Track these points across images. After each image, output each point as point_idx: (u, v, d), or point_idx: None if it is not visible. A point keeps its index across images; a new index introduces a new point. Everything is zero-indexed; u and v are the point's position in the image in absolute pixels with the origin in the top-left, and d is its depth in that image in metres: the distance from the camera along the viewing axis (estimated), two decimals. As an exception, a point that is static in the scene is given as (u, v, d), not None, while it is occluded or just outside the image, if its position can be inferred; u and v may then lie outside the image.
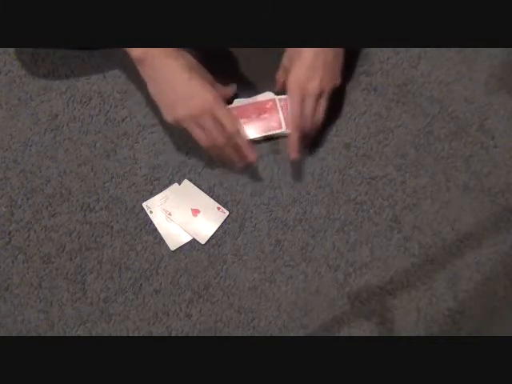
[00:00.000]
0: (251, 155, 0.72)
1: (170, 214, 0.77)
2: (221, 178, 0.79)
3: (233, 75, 0.83)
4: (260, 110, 0.79)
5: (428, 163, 0.80)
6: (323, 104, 0.72)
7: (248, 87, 0.82)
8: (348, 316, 0.75)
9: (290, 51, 0.73)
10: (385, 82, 0.83)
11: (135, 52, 0.66)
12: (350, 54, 0.83)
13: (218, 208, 0.78)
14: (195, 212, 0.78)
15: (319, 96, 0.71)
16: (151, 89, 0.69)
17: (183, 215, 0.78)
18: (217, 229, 0.78)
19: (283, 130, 0.78)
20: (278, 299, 0.76)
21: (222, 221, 0.78)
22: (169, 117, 0.69)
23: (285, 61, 0.74)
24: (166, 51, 0.66)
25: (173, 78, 0.67)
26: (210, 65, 0.75)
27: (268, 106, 0.79)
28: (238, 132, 0.71)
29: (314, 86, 0.70)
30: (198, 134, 0.70)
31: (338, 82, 0.72)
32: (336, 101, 0.82)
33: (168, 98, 0.69)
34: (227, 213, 0.78)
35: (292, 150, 0.73)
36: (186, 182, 0.79)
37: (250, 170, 0.80)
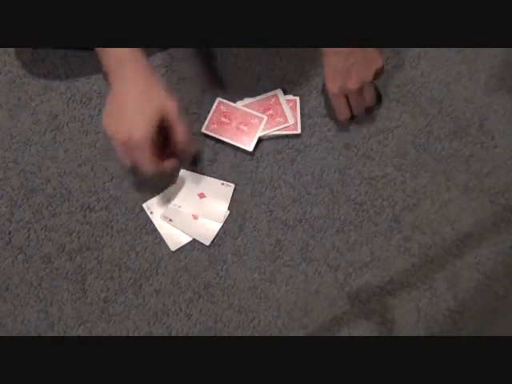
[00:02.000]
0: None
1: (170, 220, 0.77)
2: (221, 178, 0.79)
3: (234, 75, 0.83)
4: (264, 107, 0.79)
5: (428, 163, 0.80)
6: (368, 91, 0.75)
7: (249, 87, 0.82)
8: (348, 316, 0.75)
9: (319, 55, 0.74)
10: (385, 82, 0.83)
11: (103, 67, 0.67)
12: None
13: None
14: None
15: (361, 89, 0.74)
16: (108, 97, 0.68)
17: (185, 220, 0.78)
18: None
19: (290, 123, 0.79)
20: (278, 299, 0.76)
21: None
22: (105, 125, 0.68)
23: (322, 63, 0.75)
24: (120, 65, 0.66)
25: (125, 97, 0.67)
26: (210, 65, 0.75)
27: (271, 102, 0.80)
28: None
29: (352, 86, 0.73)
30: (122, 157, 0.70)
31: (378, 65, 0.74)
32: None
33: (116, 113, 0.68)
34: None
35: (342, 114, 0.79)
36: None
37: (250, 170, 0.80)
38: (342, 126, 0.81)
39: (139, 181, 0.79)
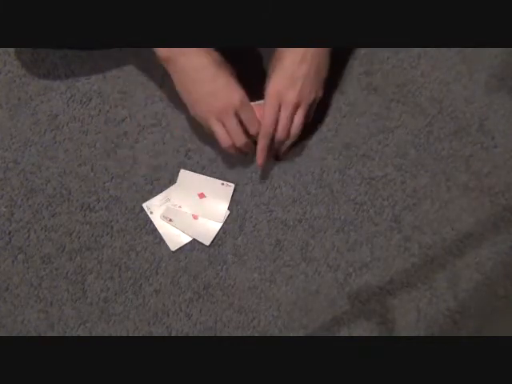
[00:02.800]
0: (260, 160, 0.73)
1: (170, 220, 0.77)
2: (221, 178, 0.79)
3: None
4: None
5: (428, 163, 0.80)
6: (300, 115, 0.71)
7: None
8: (348, 316, 0.75)
9: (273, 58, 0.71)
10: (385, 82, 0.83)
11: (161, 52, 0.67)
12: (348, 54, 0.84)
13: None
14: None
15: (296, 107, 0.70)
16: (179, 86, 0.70)
17: (185, 220, 0.78)
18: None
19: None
20: (278, 299, 0.76)
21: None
22: (198, 113, 0.70)
23: (269, 68, 0.73)
24: (192, 50, 0.67)
25: (196, 75, 0.68)
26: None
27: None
28: (259, 136, 0.71)
29: (291, 97, 0.69)
30: (219, 132, 0.70)
31: (319, 94, 0.72)
32: (338, 101, 0.82)
33: (192, 95, 0.69)
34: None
35: (258, 157, 0.73)
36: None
37: (250, 170, 0.80)
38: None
39: (141, 180, 0.79)
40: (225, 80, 0.68)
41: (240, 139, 0.71)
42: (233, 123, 0.69)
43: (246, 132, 0.72)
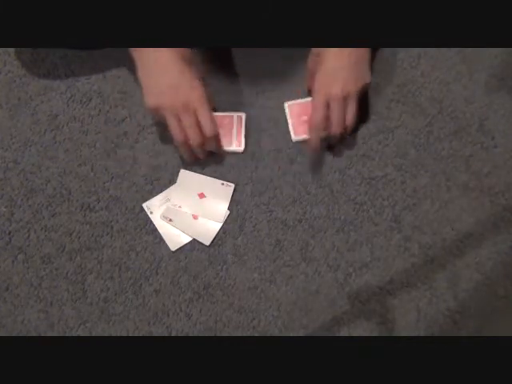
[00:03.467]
0: (311, 151, 0.74)
1: (170, 220, 0.77)
2: (221, 178, 0.79)
3: (233, 75, 0.83)
4: (219, 123, 0.77)
5: (428, 163, 0.80)
6: (351, 106, 0.71)
7: (247, 88, 0.82)
8: (348, 316, 0.75)
9: (312, 55, 0.72)
10: (385, 82, 0.83)
11: None
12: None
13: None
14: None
15: (345, 99, 0.70)
16: (141, 72, 0.69)
17: (185, 220, 0.77)
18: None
19: (233, 147, 0.78)
20: (278, 299, 0.76)
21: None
22: (150, 101, 0.70)
23: (309, 65, 0.74)
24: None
25: (164, 68, 0.68)
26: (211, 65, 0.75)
27: (225, 122, 0.79)
28: (214, 138, 0.71)
29: (336, 90, 0.69)
30: (174, 128, 0.70)
31: (366, 81, 0.72)
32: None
33: (156, 83, 0.69)
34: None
35: (309, 149, 0.75)
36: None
37: (250, 170, 0.80)
38: (314, 156, 0.79)
39: (141, 180, 0.79)
40: (190, 77, 0.69)
41: (195, 137, 0.71)
42: (190, 120, 0.70)
43: (201, 133, 0.71)
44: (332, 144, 0.79)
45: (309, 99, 0.77)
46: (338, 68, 0.69)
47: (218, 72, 0.83)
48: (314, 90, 0.72)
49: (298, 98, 0.80)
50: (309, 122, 0.74)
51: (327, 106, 0.71)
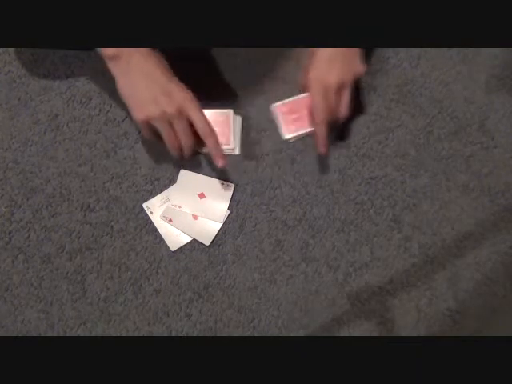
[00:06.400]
0: (220, 161, 0.71)
1: (170, 220, 0.77)
2: (221, 178, 0.79)
3: (231, 77, 0.83)
4: (214, 122, 0.74)
5: (428, 163, 0.80)
6: (346, 95, 0.72)
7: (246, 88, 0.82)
8: (348, 316, 0.75)
9: (308, 53, 0.73)
10: (385, 82, 0.83)
11: (109, 50, 0.65)
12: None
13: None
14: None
15: (341, 88, 0.71)
16: (123, 85, 0.67)
17: (185, 220, 0.78)
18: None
19: (230, 146, 0.77)
20: (278, 299, 0.76)
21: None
22: (140, 115, 0.67)
23: (305, 62, 0.74)
24: (142, 50, 0.66)
25: (152, 75, 0.66)
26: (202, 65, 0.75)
27: (221, 119, 0.78)
28: (210, 135, 0.70)
29: (333, 79, 0.70)
30: (169, 136, 0.69)
31: (359, 70, 0.72)
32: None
33: (142, 94, 0.67)
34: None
35: (321, 145, 0.73)
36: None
37: (250, 170, 0.80)
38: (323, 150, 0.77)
39: (141, 180, 0.79)
40: (176, 80, 0.68)
41: (188, 141, 0.70)
42: (183, 124, 0.68)
43: (194, 133, 0.71)
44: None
45: (295, 97, 0.78)
46: (333, 59, 0.70)
47: (218, 72, 0.83)
48: (310, 83, 0.72)
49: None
50: (311, 114, 0.74)
51: (325, 95, 0.71)
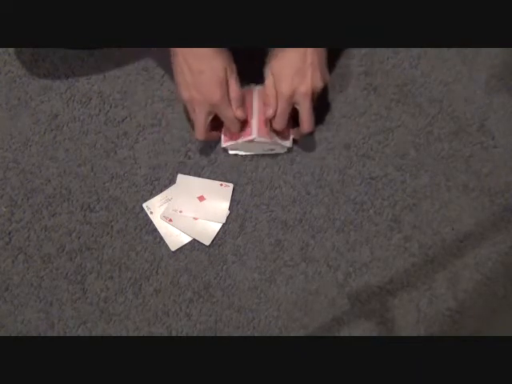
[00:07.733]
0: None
1: (170, 220, 0.77)
2: (221, 178, 0.79)
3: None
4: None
5: (428, 163, 0.80)
6: (312, 104, 0.71)
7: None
8: (348, 316, 0.75)
9: (273, 56, 0.71)
10: (385, 82, 0.83)
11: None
12: (348, 54, 0.84)
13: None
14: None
15: (310, 97, 0.70)
16: (178, 65, 0.69)
17: (185, 220, 0.77)
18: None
19: (254, 136, 0.72)
20: (278, 299, 0.76)
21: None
22: (187, 94, 0.69)
23: (272, 66, 0.71)
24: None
25: (208, 63, 0.68)
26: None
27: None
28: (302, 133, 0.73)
29: (305, 89, 0.69)
30: (201, 125, 0.71)
31: (326, 80, 0.71)
32: (337, 101, 0.82)
33: (196, 80, 0.68)
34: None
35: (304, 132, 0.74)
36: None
37: (250, 170, 0.80)
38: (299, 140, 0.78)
39: (141, 180, 0.79)
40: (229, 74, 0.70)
41: (237, 126, 0.72)
42: (230, 111, 0.70)
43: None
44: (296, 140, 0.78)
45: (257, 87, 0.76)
46: (305, 67, 0.69)
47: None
48: (279, 90, 0.70)
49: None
50: (275, 119, 0.71)
51: (291, 103, 0.70)
